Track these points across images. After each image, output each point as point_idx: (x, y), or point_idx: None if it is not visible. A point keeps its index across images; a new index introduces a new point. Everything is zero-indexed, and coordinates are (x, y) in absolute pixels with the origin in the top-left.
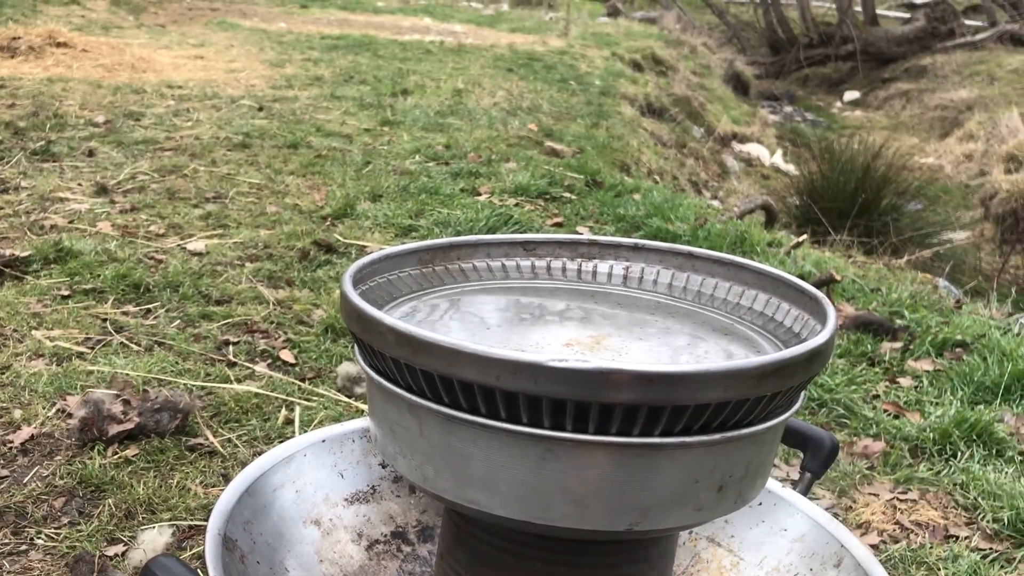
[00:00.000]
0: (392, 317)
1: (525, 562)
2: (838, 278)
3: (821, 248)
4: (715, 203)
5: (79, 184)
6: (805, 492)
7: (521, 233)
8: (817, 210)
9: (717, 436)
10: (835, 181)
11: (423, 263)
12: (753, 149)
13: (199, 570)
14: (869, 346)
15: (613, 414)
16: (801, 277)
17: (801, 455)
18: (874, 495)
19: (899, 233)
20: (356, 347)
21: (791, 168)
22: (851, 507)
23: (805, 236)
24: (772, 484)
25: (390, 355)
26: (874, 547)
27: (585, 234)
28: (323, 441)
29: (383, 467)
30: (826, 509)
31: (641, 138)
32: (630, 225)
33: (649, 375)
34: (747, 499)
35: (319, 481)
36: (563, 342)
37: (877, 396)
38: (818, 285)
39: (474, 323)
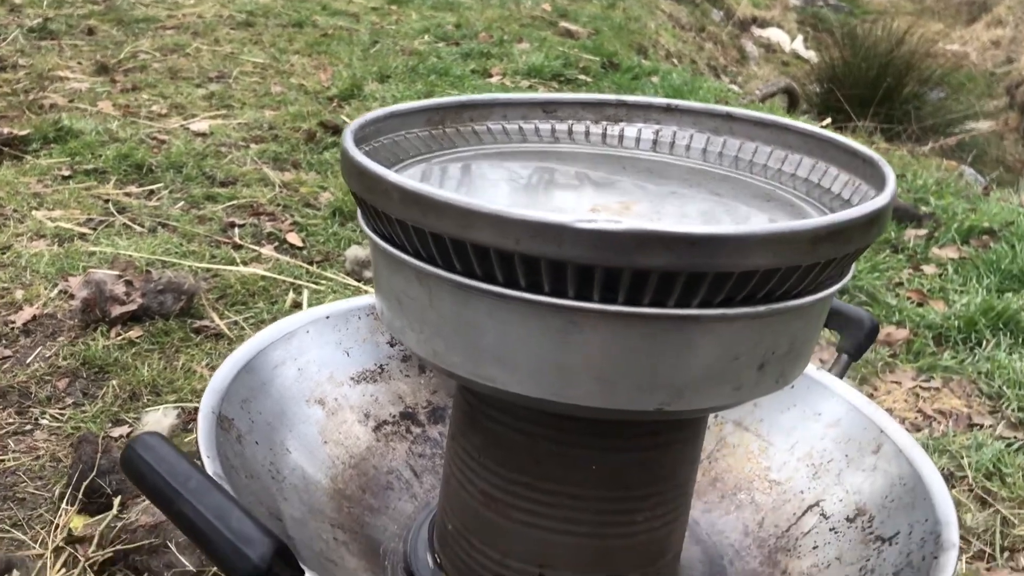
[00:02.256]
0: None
1: (540, 443)
2: None
3: (843, 134)
4: (734, 88)
5: (79, 63)
6: (841, 375)
7: None
8: (840, 96)
9: (763, 308)
10: (857, 68)
11: (432, 123)
12: (773, 34)
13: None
14: (892, 233)
15: (647, 282)
16: None
17: (837, 337)
18: (896, 383)
19: (921, 121)
20: (359, 210)
21: (812, 54)
22: (873, 395)
23: (828, 121)
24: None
25: (396, 217)
26: None
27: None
28: (327, 317)
29: (391, 345)
30: None
31: (659, 20)
32: None
33: (691, 237)
34: (789, 379)
35: (323, 359)
36: (589, 207)
37: (900, 284)
38: None
39: (489, 187)
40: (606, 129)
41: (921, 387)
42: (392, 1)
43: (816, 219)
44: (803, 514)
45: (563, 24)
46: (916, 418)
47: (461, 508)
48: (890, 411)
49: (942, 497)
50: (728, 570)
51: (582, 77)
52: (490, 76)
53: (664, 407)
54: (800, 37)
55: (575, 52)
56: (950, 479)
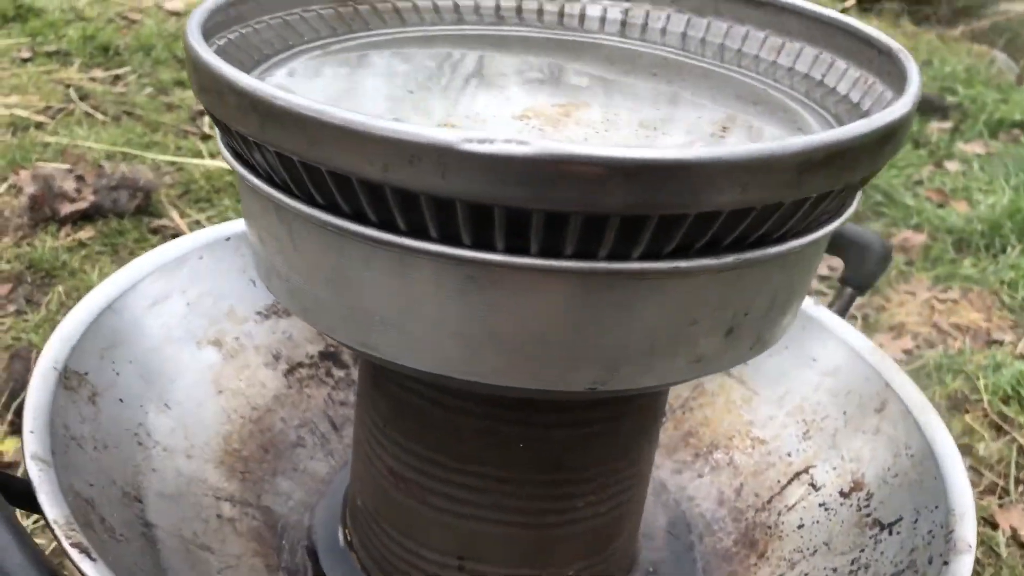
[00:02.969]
0: (274, 75)
1: (460, 417)
2: None
3: (867, 16)
4: None
5: None
6: (843, 312)
7: None
8: None
9: (730, 259)
10: None
11: (340, 1)
12: None
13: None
14: (914, 126)
15: (567, 226)
16: None
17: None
18: (910, 293)
19: (953, 2)
20: (209, 116)
21: None
22: (884, 307)
23: (852, 2)
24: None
25: (235, 128)
26: (907, 352)
27: None
28: (227, 239)
29: None
30: (855, 308)
31: None
32: None
33: (627, 164)
34: (769, 343)
35: (221, 290)
36: (516, 113)
37: (920, 182)
38: None
39: (396, 84)
40: (563, 7)
41: (937, 298)
42: None
43: (806, 139)
44: (789, 483)
45: None
46: (930, 333)
47: (369, 484)
48: (902, 326)
49: (958, 479)
50: (696, 547)
51: None
52: None
53: (597, 387)
54: None
55: None
56: (964, 403)
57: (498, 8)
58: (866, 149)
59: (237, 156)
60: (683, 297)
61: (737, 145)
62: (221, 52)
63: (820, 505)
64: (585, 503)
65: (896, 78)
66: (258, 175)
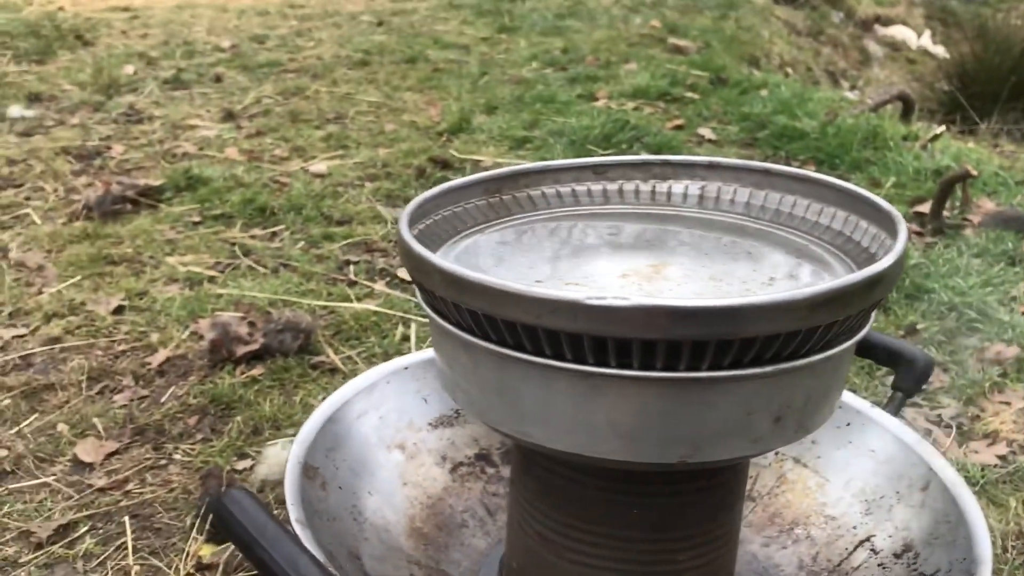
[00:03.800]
0: (452, 252)
1: (588, 491)
2: (974, 173)
3: (966, 139)
4: (851, 94)
5: (207, 111)
6: (895, 412)
7: (638, 140)
8: (963, 96)
9: (770, 368)
10: (988, 63)
11: (489, 193)
12: (898, 32)
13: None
14: (1010, 243)
15: (656, 349)
16: (937, 172)
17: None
18: (1005, 403)
19: None
20: (415, 285)
21: (940, 50)
22: (979, 416)
23: (943, 128)
24: (860, 404)
25: (439, 294)
26: (1001, 458)
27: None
28: (405, 368)
29: None
30: (951, 418)
31: (773, 27)
32: (755, 124)
33: (686, 311)
34: (810, 428)
35: (402, 407)
36: (620, 272)
37: (1015, 298)
38: (952, 181)
39: (536, 255)
40: (654, 187)
41: None
42: (502, 30)
43: (811, 287)
44: (855, 549)
45: (672, 40)
46: None
47: (522, 548)
48: (996, 433)
49: (981, 536)
50: None
51: (689, 95)
52: (596, 100)
53: (686, 459)
54: (928, 32)
55: (683, 69)
56: None
57: (605, 191)
58: (857, 294)
59: (434, 309)
60: (740, 396)
61: (763, 295)
62: (418, 237)
63: (879, 565)
64: (685, 557)
65: (895, 234)
66: (449, 321)
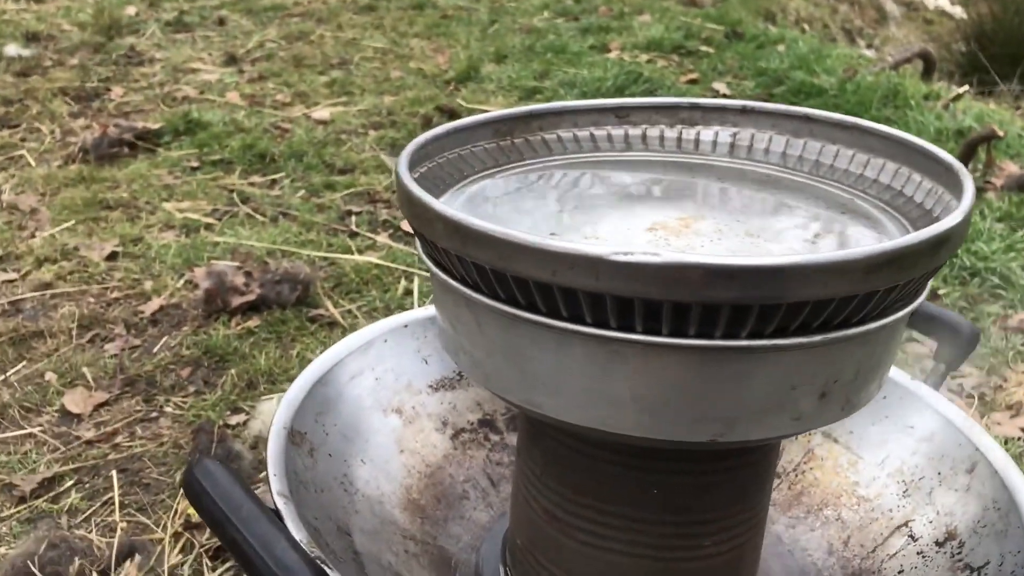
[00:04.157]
0: (457, 199)
1: (600, 464)
2: (1000, 133)
3: (986, 100)
4: (868, 52)
5: (209, 54)
6: (937, 386)
7: (651, 93)
8: (984, 57)
9: (818, 338)
10: (1007, 23)
11: (500, 135)
12: None
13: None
14: None
15: (689, 314)
16: (959, 133)
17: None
18: None
19: None
20: (415, 234)
21: (958, 11)
22: (1001, 386)
23: (966, 87)
24: (900, 376)
25: (441, 245)
26: None
27: (720, 95)
28: (405, 326)
29: None
30: (973, 388)
31: None
32: (771, 79)
33: (729, 270)
34: (858, 404)
35: (401, 368)
36: (647, 226)
37: None
38: (977, 142)
39: (549, 205)
40: (681, 133)
41: None
42: None
43: (872, 246)
44: (891, 535)
45: None
46: None
47: (527, 524)
48: (1019, 404)
49: None
50: None
51: (704, 48)
52: (608, 51)
53: (718, 438)
54: None
55: (698, 22)
56: None
57: (626, 136)
58: (923, 254)
59: (435, 262)
60: (783, 368)
61: (818, 254)
62: (419, 181)
63: (918, 553)
64: (710, 543)
65: (957, 189)
66: (452, 276)
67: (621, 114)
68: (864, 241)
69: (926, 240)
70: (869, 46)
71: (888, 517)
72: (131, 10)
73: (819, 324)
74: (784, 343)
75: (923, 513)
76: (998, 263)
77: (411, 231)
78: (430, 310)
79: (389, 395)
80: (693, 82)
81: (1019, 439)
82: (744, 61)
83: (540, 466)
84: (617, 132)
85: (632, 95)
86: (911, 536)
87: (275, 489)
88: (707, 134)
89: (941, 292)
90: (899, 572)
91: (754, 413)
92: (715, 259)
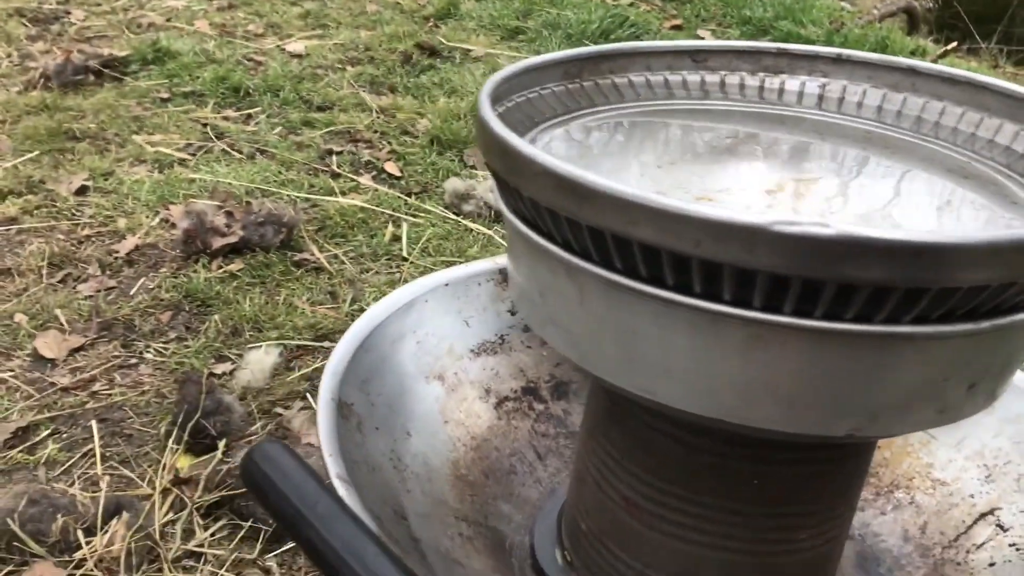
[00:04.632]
0: (540, 150)
1: (697, 455)
2: None
3: (968, 58)
4: (847, 6)
5: None
6: None
7: (637, 38)
8: (965, 16)
9: (985, 324)
10: None
11: (569, 77)
12: None
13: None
14: None
15: (854, 296)
16: None
17: None
18: None
19: None
20: (496, 186)
21: None
22: None
23: (954, 44)
24: None
25: (545, 204)
26: None
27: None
28: (446, 285)
29: (512, 314)
30: None
31: None
32: (756, 29)
33: (915, 247)
34: (998, 395)
35: (442, 331)
36: (762, 188)
37: None
38: None
39: (638, 158)
40: (764, 82)
41: None
42: None
43: None
44: (974, 523)
45: None
46: None
47: (598, 510)
48: None
49: None
50: None
51: None
52: None
53: (856, 432)
54: None
55: None
56: None
57: (703, 83)
58: None
59: (524, 220)
60: (940, 357)
61: (1013, 230)
62: None
63: (1011, 545)
64: (806, 535)
65: None
66: (553, 241)
67: (698, 58)
68: (999, 211)
69: None
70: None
71: (969, 504)
72: None
73: (989, 309)
74: (950, 330)
75: (1011, 501)
76: None
77: (396, 174)
78: (472, 268)
79: (431, 361)
80: (677, 28)
81: None
82: (728, 8)
83: (620, 450)
84: (693, 78)
85: (618, 40)
86: (999, 526)
87: (333, 472)
88: (793, 84)
89: None
90: (990, 565)
91: (900, 406)
92: (899, 234)
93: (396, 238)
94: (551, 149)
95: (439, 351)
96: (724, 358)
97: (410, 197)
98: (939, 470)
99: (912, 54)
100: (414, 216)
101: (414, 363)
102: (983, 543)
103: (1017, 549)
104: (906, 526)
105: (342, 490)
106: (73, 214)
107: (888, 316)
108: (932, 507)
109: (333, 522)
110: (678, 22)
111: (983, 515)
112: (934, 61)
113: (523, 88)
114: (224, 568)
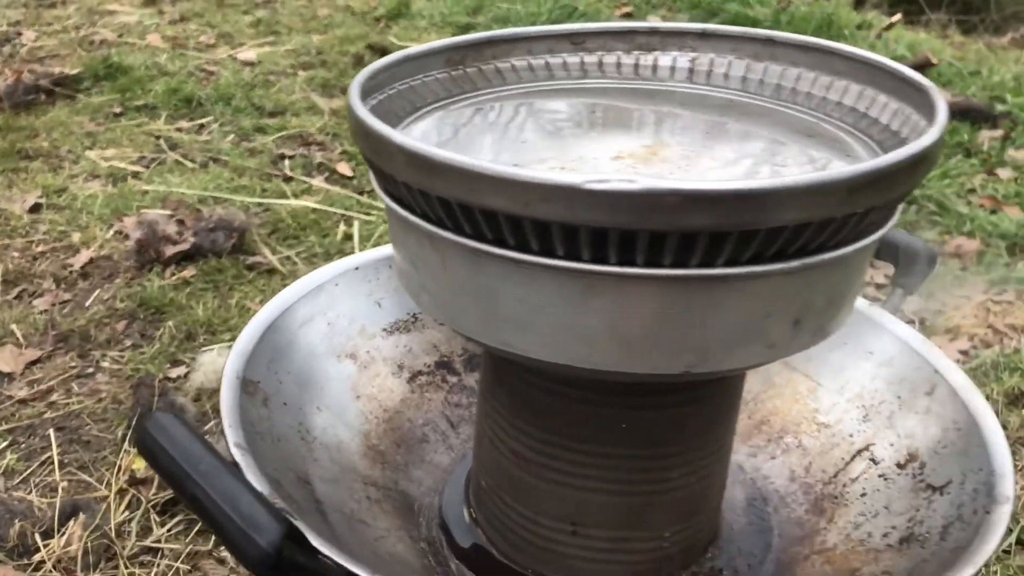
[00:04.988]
0: (411, 132)
1: (569, 402)
2: (935, 61)
3: (915, 29)
4: None
5: None
6: (895, 310)
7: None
8: None
9: (795, 263)
10: None
11: (452, 64)
12: None
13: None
14: (966, 135)
15: (666, 243)
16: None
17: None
18: (966, 297)
19: (1002, 8)
20: (370, 170)
21: None
22: (940, 311)
23: (898, 16)
24: (858, 302)
25: (402, 179)
26: (964, 353)
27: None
28: (356, 268)
29: None
30: (913, 313)
31: None
32: (706, 12)
33: (710, 195)
34: (829, 331)
35: (354, 312)
36: (612, 155)
37: (973, 190)
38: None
39: (509, 135)
40: (638, 59)
41: (993, 301)
42: None
43: (854, 166)
44: (852, 459)
45: None
46: (986, 334)
47: (493, 466)
48: (958, 328)
49: (999, 445)
50: (772, 517)
51: None
52: None
53: (691, 369)
54: None
55: None
56: (1021, 398)
57: (582, 63)
58: (902, 172)
59: (394, 197)
60: (759, 295)
61: (799, 176)
62: (372, 113)
63: (880, 476)
64: (678, 474)
65: (928, 109)
66: (414, 212)
67: (576, 40)
68: (833, 164)
69: (907, 158)
70: None
71: (849, 442)
72: None
73: (796, 249)
74: (761, 270)
75: (884, 437)
76: (934, 191)
77: (348, 175)
78: (381, 252)
79: (343, 340)
80: (627, 16)
81: (958, 361)
82: None
83: (506, 407)
84: (573, 59)
85: None
86: (872, 460)
87: (231, 440)
88: (665, 59)
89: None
90: (861, 495)
91: (728, 342)
92: (695, 184)
93: (348, 237)
94: (427, 131)
95: (351, 331)
96: (566, 308)
97: (362, 196)
98: (824, 414)
99: (858, 28)
100: (366, 214)
101: (325, 343)
102: (857, 476)
103: (885, 479)
104: (793, 467)
105: (238, 456)
106: (27, 231)
107: (702, 260)
108: (816, 448)
109: (214, 477)
110: (628, 10)
111: (859, 451)
112: (879, 35)
113: (406, 76)
114: (180, 561)
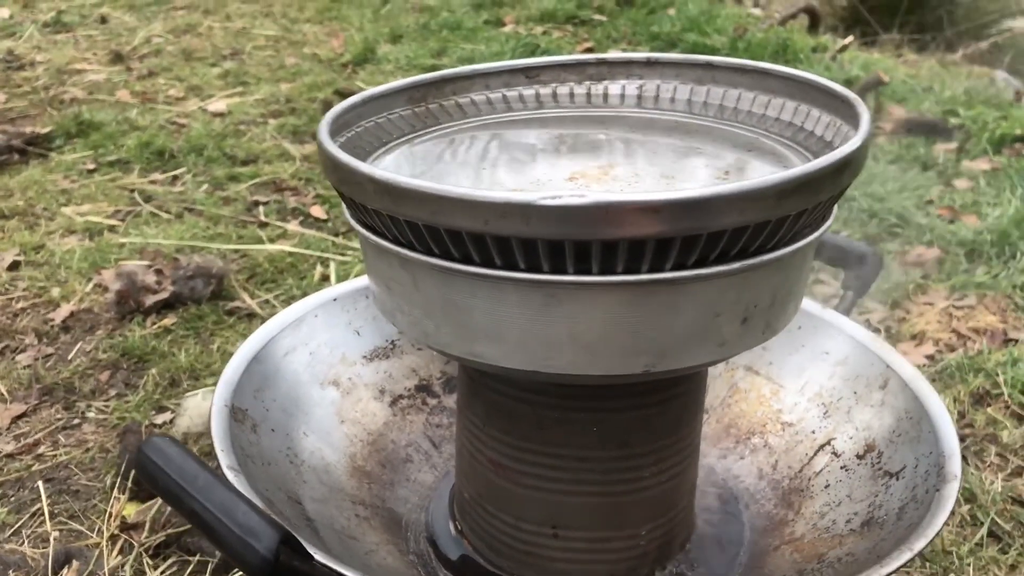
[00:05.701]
0: (379, 165)
1: (541, 409)
2: (885, 79)
3: (870, 50)
4: (756, 11)
5: (94, 53)
6: (847, 312)
7: None
8: (864, 9)
9: (737, 265)
10: None
11: (414, 102)
12: None
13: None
14: (921, 149)
15: (617, 251)
16: (847, 82)
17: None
18: (929, 304)
19: (955, 26)
20: (342, 201)
21: None
22: (904, 318)
23: (851, 38)
24: (812, 306)
25: (372, 207)
26: (929, 357)
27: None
28: (334, 300)
29: None
30: (879, 322)
31: None
32: (665, 43)
33: (652, 204)
34: (777, 328)
35: (334, 341)
36: (566, 176)
37: (931, 201)
38: (865, 88)
39: (471, 163)
40: (590, 89)
41: (954, 306)
42: None
43: (780, 173)
44: (815, 454)
45: None
46: (950, 338)
47: (474, 476)
48: (923, 334)
49: (946, 429)
50: (743, 513)
51: (597, 17)
52: (503, 25)
53: (650, 368)
54: None
55: None
56: (986, 398)
57: (537, 95)
58: (827, 177)
59: (365, 226)
60: (707, 296)
61: (732, 184)
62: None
63: (841, 468)
64: (649, 473)
65: (855, 120)
66: (385, 238)
67: (531, 74)
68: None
69: (831, 164)
70: (756, 4)
71: (812, 438)
72: (4, 12)
73: (737, 252)
74: (706, 272)
75: (843, 431)
76: (894, 204)
77: (322, 217)
78: (358, 283)
79: (325, 368)
80: (589, 51)
81: (924, 366)
82: (637, 27)
83: (483, 418)
84: (528, 92)
85: None
86: (834, 453)
87: (224, 463)
88: (615, 88)
89: (843, 235)
90: (825, 487)
91: (682, 342)
92: (639, 196)
93: (325, 277)
94: (394, 163)
95: (332, 359)
96: (530, 318)
97: (337, 237)
98: (787, 413)
99: (813, 51)
100: (342, 255)
101: (308, 372)
102: (821, 470)
103: (846, 470)
104: (761, 466)
105: (233, 478)
106: (6, 289)
107: (651, 265)
108: (782, 446)
109: (210, 491)
110: (590, 45)
111: (822, 446)
112: (833, 57)
113: (372, 114)
114: None
